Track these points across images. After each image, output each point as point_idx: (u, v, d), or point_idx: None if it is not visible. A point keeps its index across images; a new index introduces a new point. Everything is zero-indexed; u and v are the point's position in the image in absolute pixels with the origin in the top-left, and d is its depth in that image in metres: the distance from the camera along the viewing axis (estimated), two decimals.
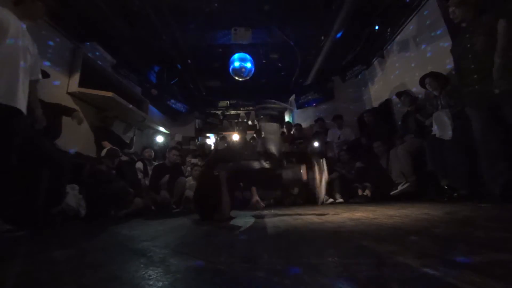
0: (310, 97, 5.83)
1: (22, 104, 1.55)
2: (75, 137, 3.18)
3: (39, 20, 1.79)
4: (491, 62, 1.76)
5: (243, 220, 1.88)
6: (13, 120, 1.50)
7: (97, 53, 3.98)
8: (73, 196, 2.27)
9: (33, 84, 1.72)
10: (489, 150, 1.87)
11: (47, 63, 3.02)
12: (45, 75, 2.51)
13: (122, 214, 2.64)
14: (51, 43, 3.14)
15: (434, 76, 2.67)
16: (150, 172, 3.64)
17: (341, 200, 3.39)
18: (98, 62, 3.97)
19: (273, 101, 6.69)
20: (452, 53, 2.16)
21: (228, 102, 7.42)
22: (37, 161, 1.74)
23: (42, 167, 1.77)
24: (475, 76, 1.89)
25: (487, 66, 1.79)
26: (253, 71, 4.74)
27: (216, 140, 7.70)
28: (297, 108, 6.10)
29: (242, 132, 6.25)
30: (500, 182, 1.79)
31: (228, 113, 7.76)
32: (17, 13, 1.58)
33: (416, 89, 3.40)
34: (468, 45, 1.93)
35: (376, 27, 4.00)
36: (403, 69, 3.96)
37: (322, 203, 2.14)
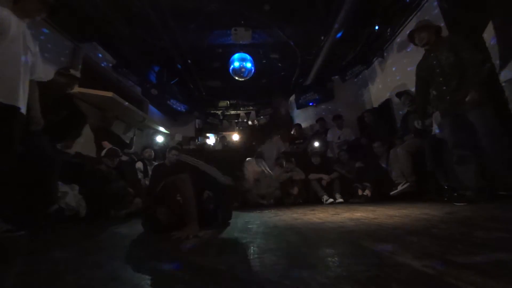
0: (310, 97, 5.82)
1: (22, 103, 1.56)
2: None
3: (39, 18, 1.78)
4: (456, 74, 2.04)
5: (244, 220, 1.88)
6: (13, 119, 1.50)
7: (97, 53, 3.98)
8: (73, 196, 2.26)
9: (33, 84, 1.71)
10: (458, 154, 2.09)
11: (47, 63, 3.02)
12: (76, 79, 2.54)
13: (122, 214, 2.63)
14: (51, 43, 3.14)
15: None
16: (150, 172, 3.63)
17: (341, 200, 3.39)
18: (98, 62, 3.97)
19: None
20: (416, 71, 2.45)
21: (228, 102, 7.41)
22: (30, 160, 1.73)
23: (34, 166, 1.75)
24: (444, 88, 2.16)
25: (452, 78, 2.08)
26: (253, 71, 4.74)
27: (216, 140, 7.69)
28: (297, 108, 6.09)
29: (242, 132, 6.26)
30: (471, 184, 2.00)
31: (228, 113, 7.76)
32: (17, 12, 1.58)
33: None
34: (434, 62, 2.22)
35: (376, 27, 4.00)
36: (403, 69, 3.96)
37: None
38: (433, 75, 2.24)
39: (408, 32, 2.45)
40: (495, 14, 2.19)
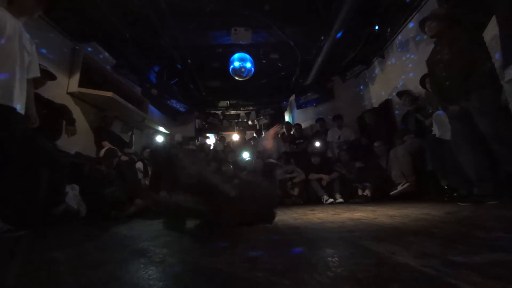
0: (310, 97, 5.83)
1: (19, 103, 1.55)
2: (75, 137, 3.17)
3: (35, 15, 1.76)
4: (457, 70, 1.96)
5: None
6: (10, 119, 1.50)
7: (97, 53, 3.98)
8: (73, 196, 2.27)
9: (30, 83, 1.71)
10: (461, 155, 2.05)
11: (47, 63, 3.02)
12: (52, 77, 2.49)
13: (122, 215, 2.63)
14: (51, 43, 3.14)
15: None
16: (150, 172, 3.63)
17: (341, 200, 3.39)
18: (98, 62, 3.97)
19: None
20: (426, 64, 2.36)
21: (228, 102, 7.41)
22: (36, 160, 1.74)
23: (42, 166, 1.77)
24: (447, 83, 2.08)
25: (454, 74, 2.00)
26: (253, 71, 4.73)
27: (216, 140, 7.68)
28: (297, 108, 6.10)
29: (242, 132, 6.25)
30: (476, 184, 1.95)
31: (228, 113, 7.76)
32: (12, 11, 1.56)
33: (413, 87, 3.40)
34: (438, 56, 2.14)
35: (376, 27, 3.99)
36: (403, 69, 3.96)
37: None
38: (437, 70, 2.17)
39: (420, 19, 2.34)
40: (498, 10, 2.07)
